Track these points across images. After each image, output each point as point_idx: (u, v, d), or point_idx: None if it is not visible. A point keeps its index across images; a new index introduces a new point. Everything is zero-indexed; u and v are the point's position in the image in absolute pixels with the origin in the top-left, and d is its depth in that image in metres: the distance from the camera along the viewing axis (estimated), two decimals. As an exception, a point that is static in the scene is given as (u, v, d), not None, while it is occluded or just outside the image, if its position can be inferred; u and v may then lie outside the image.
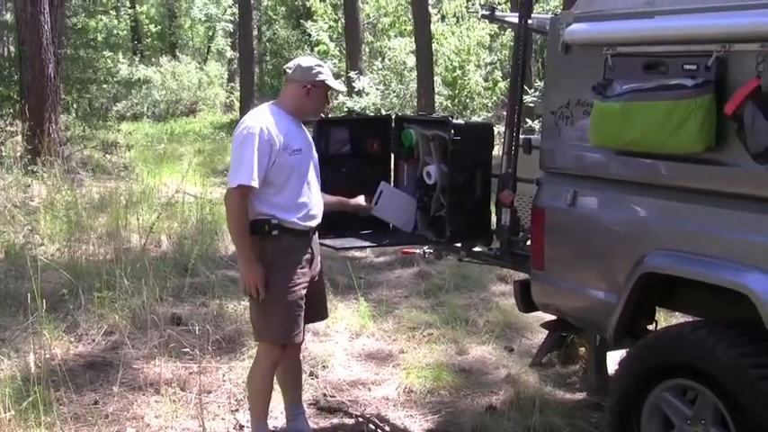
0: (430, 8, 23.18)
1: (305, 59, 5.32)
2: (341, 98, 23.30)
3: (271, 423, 5.73)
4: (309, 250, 5.25)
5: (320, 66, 5.23)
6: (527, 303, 5.58)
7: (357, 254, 10.59)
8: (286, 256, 5.09)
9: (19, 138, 15.35)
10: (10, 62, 20.28)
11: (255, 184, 4.89)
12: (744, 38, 4.07)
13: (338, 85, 5.40)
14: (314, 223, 5.25)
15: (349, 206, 5.84)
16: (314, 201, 5.21)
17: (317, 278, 5.41)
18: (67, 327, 7.28)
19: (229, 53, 45.77)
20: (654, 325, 5.14)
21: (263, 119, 5.00)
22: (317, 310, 5.50)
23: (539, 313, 5.86)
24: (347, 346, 7.40)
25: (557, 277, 5.17)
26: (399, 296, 9.07)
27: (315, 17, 30.70)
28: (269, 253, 5.03)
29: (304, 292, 5.18)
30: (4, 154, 14.48)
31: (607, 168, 4.84)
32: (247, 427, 5.68)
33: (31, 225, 10.60)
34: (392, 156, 6.50)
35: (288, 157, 5.01)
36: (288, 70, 5.23)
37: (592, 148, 4.81)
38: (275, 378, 5.51)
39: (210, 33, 47.97)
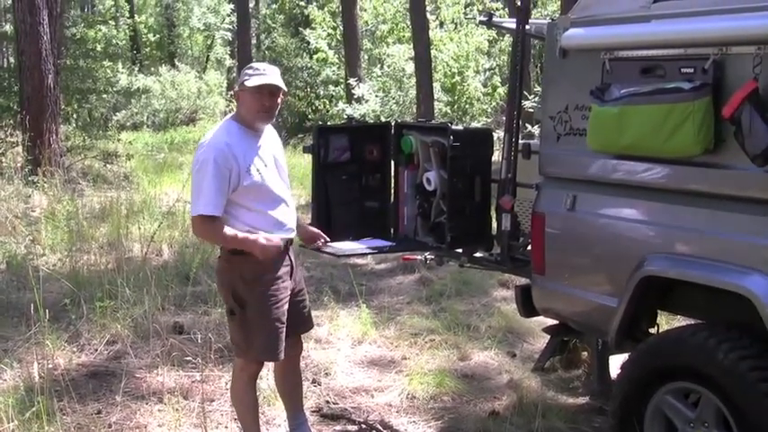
0: (428, 15, 23.19)
1: (250, 65, 5.11)
2: (340, 105, 23.35)
3: (273, 431, 5.75)
4: (288, 262, 5.15)
5: (250, 68, 5.02)
6: (528, 308, 5.59)
7: (358, 261, 10.58)
8: (266, 273, 4.99)
9: (19, 148, 15.36)
10: (9, 73, 20.29)
11: (218, 212, 4.80)
12: (741, 41, 4.09)
13: (261, 80, 4.91)
14: (291, 235, 5.18)
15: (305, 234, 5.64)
16: (288, 213, 5.11)
17: (297, 288, 5.29)
18: (70, 337, 7.28)
19: (228, 61, 45.76)
20: (655, 328, 5.15)
21: (219, 142, 4.83)
22: (302, 321, 5.40)
23: (540, 318, 5.86)
24: (349, 353, 7.40)
25: (557, 282, 5.18)
26: (401, 302, 9.07)
27: (313, 25, 30.71)
28: (248, 271, 4.95)
29: (286, 307, 5.09)
30: (4, 164, 14.50)
31: (606, 172, 4.84)
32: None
33: (33, 235, 10.62)
34: (392, 162, 6.50)
35: (251, 177, 4.87)
36: None
37: (590, 153, 4.82)
38: (276, 386, 5.52)
39: (209, 42, 47.99)
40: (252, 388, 5.28)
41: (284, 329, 5.07)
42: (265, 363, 5.39)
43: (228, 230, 4.85)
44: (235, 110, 5.12)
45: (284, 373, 5.48)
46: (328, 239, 5.64)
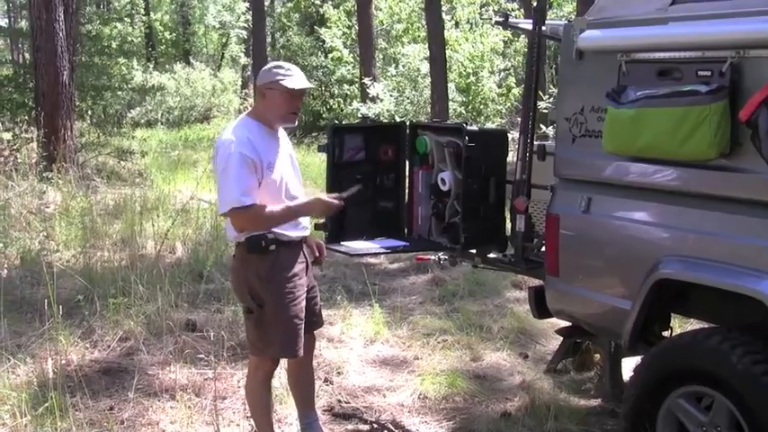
0: (443, 15, 23.19)
1: (271, 63, 5.10)
2: (355, 104, 23.34)
3: (285, 430, 5.75)
4: (303, 259, 5.16)
5: (278, 67, 4.98)
6: (541, 310, 5.59)
7: (371, 260, 10.58)
8: (283, 270, 4.99)
9: (34, 144, 15.37)
10: (25, 69, 20.35)
11: (255, 201, 4.77)
12: (758, 44, 4.08)
13: (297, 82, 4.93)
14: (306, 233, 5.19)
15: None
16: None
17: (310, 285, 5.29)
18: (83, 333, 7.30)
19: (243, 60, 45.86)
20: (669, 331, 5.14)
21: (242, 137, 4.79)
22: (314, 318, 5.40)
23: (553, 320, 5.87)
24: (362, 352, 7.40)
25: (571, 284, 5.17)
26: (414, 302, 9.07)
27: (328, 24, 30.79)
28: (266, 269, 4.94)
29: (303, 303, 5.10)
30: (19, 161, 14.48)
31: (621, 175, 4.83)
32: (261, 433, 5.72)
33: (47, 231, 10.64)
34: (406, 162, 6.51)
35: (271, 174, 4.87)
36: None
37: (606, 155, 4.81)
38: (288, 385, 5.53)
39: (224, 40, 48.10)
40: (266, 386, 5.29)
41: (303, 326, 5.08)
42: (280, 361, 5.39)
43: (275, 208, 4.85)
44: (252, 107, 5.10)
45: (297, 371, 5.48)
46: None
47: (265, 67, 5.03)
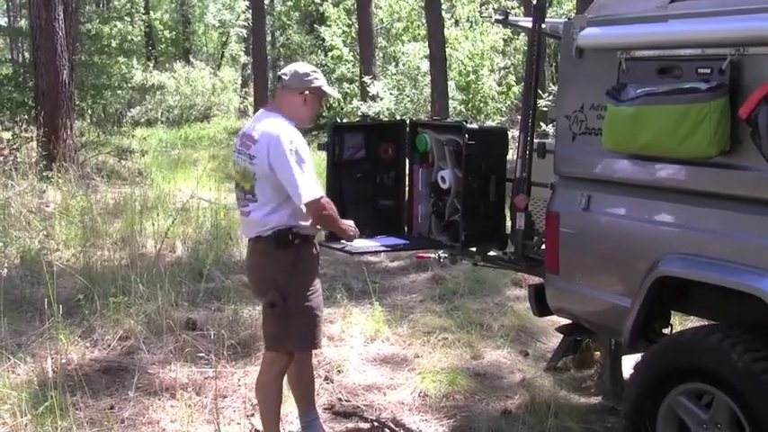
0: (443, 13, 23.18)
1: (301, 66, 5.27)
2: (355, 103, 23.34)
3: (286, 428, 5.75)
4: (317, 253, 5.30)
5: (315, 72, 5.23)
6: (542, 307, 5.59)
7: (371, 258, 10.59)
8: (306, 263, 5.13)
9: (34, 144, 15.38)
10: (25, 68, 20.35)
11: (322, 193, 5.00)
12: (758, 41, 4.07)
13: (333, 91, 5.46)
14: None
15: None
16: None
17: None
18: (83, 332, 7.30)
19: (243, 58, 45.90)
20: (669, 329, 5.13)
21: (297, 133, 5.00)
22: None
23: (553, 317, 5.86)
24: (362, 350, 7.40)
25: (571, 281, 5.17)
26: (414, 301, 9.07)
27: (328, 22, 30.76)
28: (291, 262, 5.05)
29: (321, 297, 5.26)
30: (19, 160, 14.49)
31: (621, 172, 4.83)
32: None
33: (47, 231, 10.65)
34: (406, 161, 6.51)
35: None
36: (284, 77, 5.19)
37: (606, 153, 4.81)
38: (288, 384, 5.53)
39: (224, 39, 48.12)
40: (280, 381, 5.36)
41: (322, 318, 5.28)
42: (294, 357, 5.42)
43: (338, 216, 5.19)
44: (281, 106, 5.19)
45: (298, 370, 5.49)
46: None
47: (301, 71, 5.18)
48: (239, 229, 10.79)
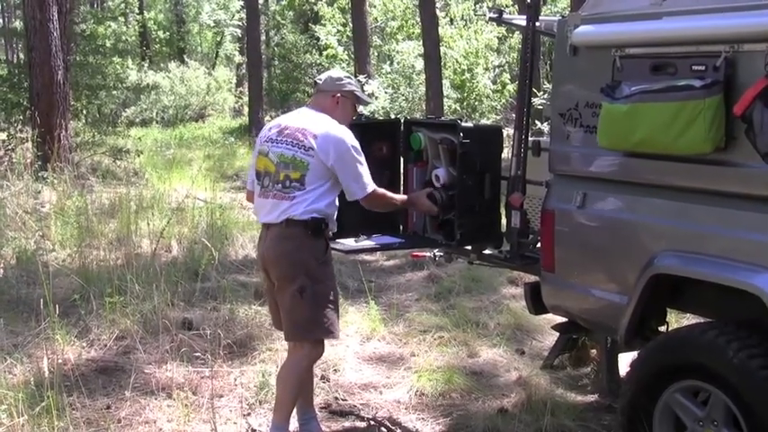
0: (438, 11, 23.18)
1: (336, 72, 5.64)
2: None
3: (282, 426, 5.76)
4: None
5: (350, 78, 5.55)
6: (537, 306, 5.59)
7: (367, 257, 10.60)
8: (327, 253, 5.31)
9: (29, 144, 15.36)
10: (19, 69, 20.31)
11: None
12: (752, 38, 4.08)
13: (365, 97, 5.71)
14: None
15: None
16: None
17: None
18: (79, 332, 7.30)
19: (238, 58, 45.82)
20: (665, 326, 5.14)
21: (351, 133, 5.32)
22: None
23: (549, 315, 5.87)
24: (358, 349, 7.41)
25: (567, 279, 5.17)
26: (410, 299, 9.08)
27: (323, 21, 30.77)
28: (322, 251, 5.25)
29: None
30: (14, 160, 14.48)
31: (616, 170, 4.84)
32: (259, 430, 5.70)
33: (42, 231, 10.63)
34: (401, 159, 6.51)
35: None
36: (318, 81, 5.49)
37: (600, 150, 4.81)
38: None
39: (219, 38, 48.08)
40: (311, 372, 5.62)
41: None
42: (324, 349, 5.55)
43: (394, 199, 5.66)
44: (322, 108, 5.44)
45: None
46: None
47: (335, 76, 5.55)
48: (235, 228, 10.87)
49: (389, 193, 5.57)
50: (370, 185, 5.27)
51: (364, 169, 5.26)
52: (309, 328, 5.26)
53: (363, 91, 6.02)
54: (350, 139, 5.23)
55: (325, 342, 5.35)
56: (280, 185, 5.21)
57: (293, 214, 5.13)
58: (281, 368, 5.48)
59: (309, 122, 5.29)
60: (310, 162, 5.15)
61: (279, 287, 5.31)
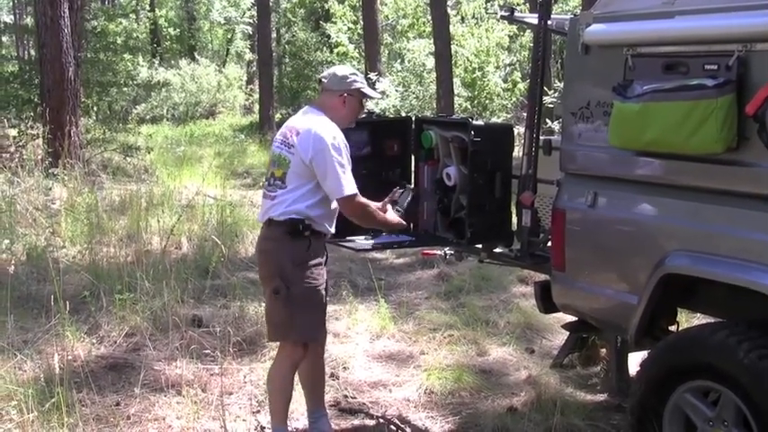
0: (449, 9, 23.15)
1: (340, 68, 5.48)
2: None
3: (293, 424, 5.75)
4: (326, 252, 5.36)
5: (355, 74, 5.39)
6: (547, 304, 5.58)
7: (377, 255, 10.60)
8: (312, 258, 5.17)
9: (40, 141, 15.38)
10: (30, 65, 20.36)
11: (356, 191, 5.15)
12: (765, 37, 4.06)
13: (372, 92, 5.59)
14: (334, 229, 5.38)
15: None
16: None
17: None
18: (89, 329, 7.31)
19: (248, 55, 45.83)
20: (675, 326, 5.13)
21: (340, 134, 5.17)
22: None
23: (559, 314, 5.87)
24: (368, 347, 7.41)
25: (577, 278, 5.16)
26: (420, 298, 9.07)
27: (334, 19, 30.75)
28: (299, 253, 5.12)
29: (325, 292, 5.29)
30: (25, 157, 14.50)
31: (627, 169, 4.83)
32: (268, 428, 5.69)
33: (53, 228, 10.66)
34: (412, 157, 6.50)
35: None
36: (323, 80, 5.38)
37: (612, 149, 4.80)
38: (298, 379, 5.54)
39: (229, 36, 48.10)
40: (291, 375, 5.37)
41: (325, 313, 5.37)
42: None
43: (379, 214, 5.39)
44: (323, 107, 5.34)
45: (308, 366, 5.50)
46: None
47: (340, 74, 5.40)
48: (245, 226, 10.87)
49: (373, 206, 5.34)
50: (349, 188, 5.07)
51: (344, 170, 5.08)
52: (284, 330, 5.26)
53: (373, 87, 5.97)
54: (332, 137, 5.09)
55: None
56: (267, 183, 5.28)
57: (273, 215, 5.15)
58: (269, 370, 5.51)
59: (301, 121, 5.25)
60: (291, 159, 5.13)
61: (263, 286, 5.41)
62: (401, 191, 5.75)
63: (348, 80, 5.32)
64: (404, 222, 5.61)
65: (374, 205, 5.36)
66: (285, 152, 5.18)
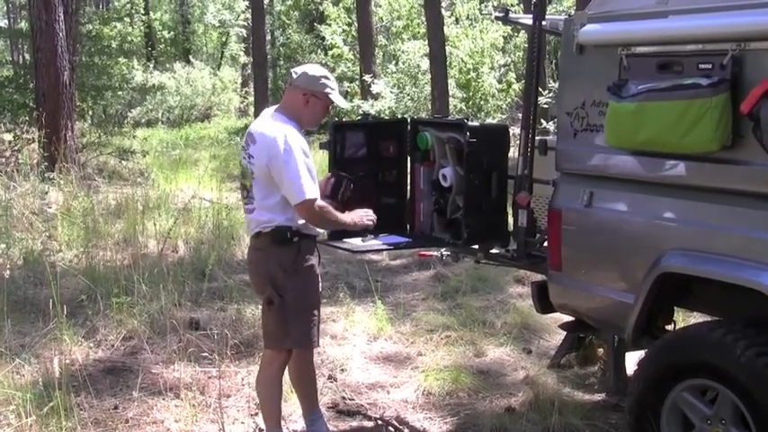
0: (443, 11, 23.17)
1: (313, 67, 5.28)
2: (355, 101, 23.32)
3: (290, 427, 5.76)
4: (317, 253, 5.31)
5: (327, 78, 5.20)
6: (544, 304, 5.59)
7: (373, 257, 10.59)
8: (304, 262, 5.14)
9: (35, 145, 15.38)
10: (25, 70, 20.36)
11: (316, 195, 5.01)
12: (759, 36, 4.07)
13: (341, 101, 5.34)
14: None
15: None
16: None
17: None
18: (87, 332, 7.31)
19: (243, 58, 45.88)
20: (672, 325, 5.14)
21: (298, 135, 5.02)
22: None
23: (556, 314, 5.88)
24: (365, 349, 7.41)
25: (574, 278, 5.17)
26: (416, 299, 9.08)
27: (328, 21, 30.77)
28: (289, 260, 5.07)
29: (319, 295, 5.31)
30: (21, 161, 14.51)
31: (623, 169, 4.83)
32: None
33: (49, 232, 10.66)
34: (408, 159, 6.51)
35: (313, 174, 5.07)
36: (293, 74, 5.22)
37: (607, 149, 4.81)
38: (291, 383, 5.55)
39: (224, 39, 48.10)
40: (280, 378, 5.35)
41: (319, 317, 5.29)
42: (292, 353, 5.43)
43: (339, 217, 5.21)
44: (286, 106, 5.20)
45: (299, 369, 5.50)
46: None
47: (311, 73, 5.19)
48: (242, 228, 10.88)
49: (334, 211, 5.17)
50: (308, 193, 4.92)
51: (302, 174, 4.92)
52: (280, 338, 5.22)
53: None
54: (285, 140, 4.92)
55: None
56: (246, 197, 5.21)
57: (259, 228, 5.11)
58: (257, 375, 5.51)
59: (258, 125, 5.13)
60: (254, 171, 5.06)
61: (257, 296, 5.42)
62: (332, 179, 5.54)
63: (319, 81, 5.14)
64: (371, 219, 5.42)
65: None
66: (247, 162, 5.12)
